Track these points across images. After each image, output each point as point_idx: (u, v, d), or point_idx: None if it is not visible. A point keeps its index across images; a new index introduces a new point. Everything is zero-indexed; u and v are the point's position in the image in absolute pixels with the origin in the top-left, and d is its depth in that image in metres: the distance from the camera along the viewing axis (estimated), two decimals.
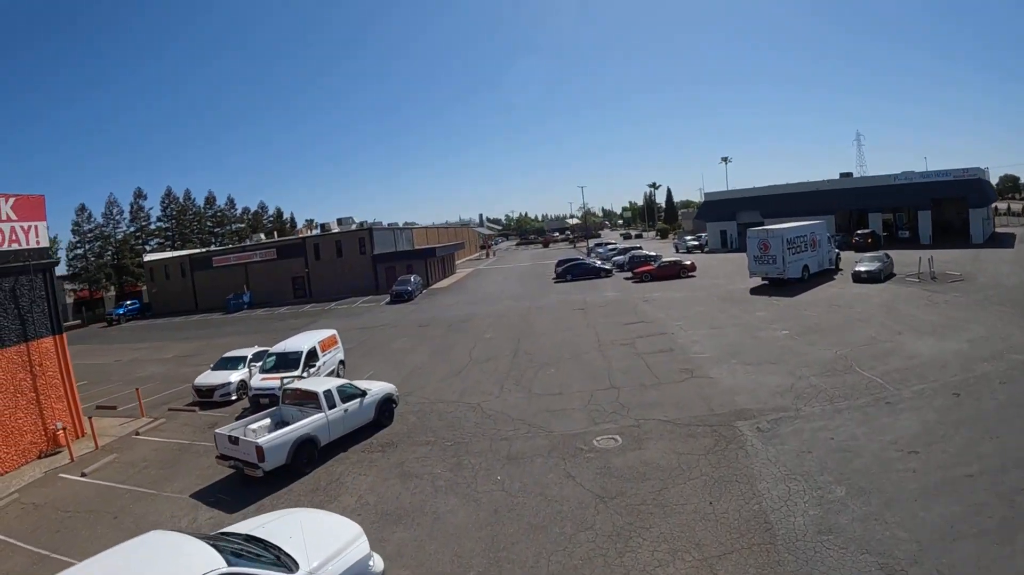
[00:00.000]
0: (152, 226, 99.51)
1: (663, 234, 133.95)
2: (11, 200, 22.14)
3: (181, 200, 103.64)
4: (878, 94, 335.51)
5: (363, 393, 20.26)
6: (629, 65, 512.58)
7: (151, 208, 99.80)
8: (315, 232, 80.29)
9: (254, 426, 19.16)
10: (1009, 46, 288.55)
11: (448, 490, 15.43)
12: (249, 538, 10.58)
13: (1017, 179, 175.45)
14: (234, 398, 26.98)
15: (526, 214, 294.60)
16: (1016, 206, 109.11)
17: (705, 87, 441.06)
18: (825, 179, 79.37)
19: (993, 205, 76.89)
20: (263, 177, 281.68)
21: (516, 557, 11.93)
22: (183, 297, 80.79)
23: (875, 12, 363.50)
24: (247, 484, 17.21)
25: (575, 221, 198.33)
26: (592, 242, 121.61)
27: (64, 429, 22.91)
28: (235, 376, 27.60)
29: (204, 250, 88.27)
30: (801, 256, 42.10)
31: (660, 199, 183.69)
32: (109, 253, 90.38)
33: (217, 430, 18.55)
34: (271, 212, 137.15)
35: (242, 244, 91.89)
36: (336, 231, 77.18)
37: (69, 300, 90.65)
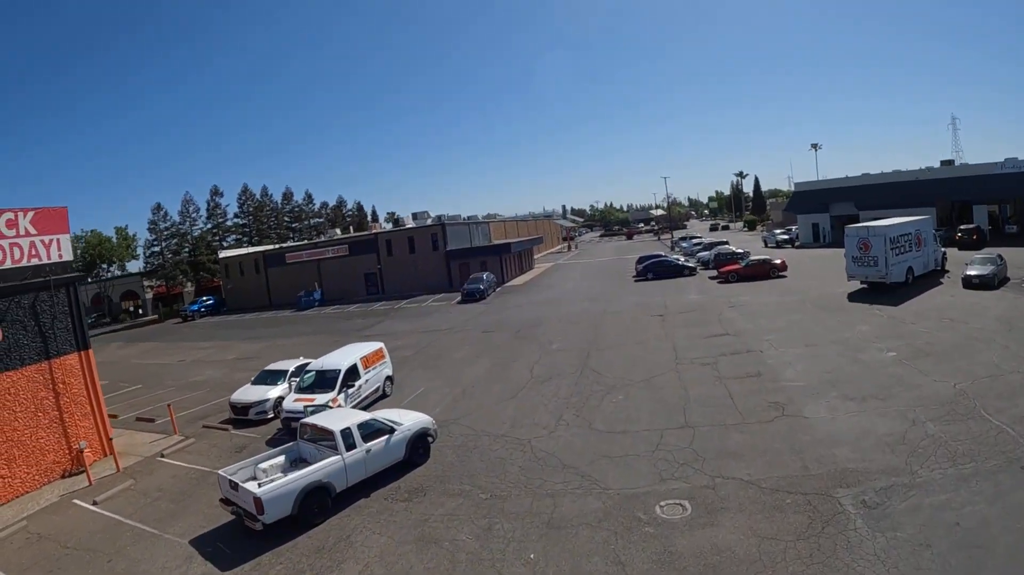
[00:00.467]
0: (229, 222, 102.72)
1: (751, 225, 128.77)
2: (30, 214, 21.97)
3: (258, 196, 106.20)
4: (974, 76, 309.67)
5: (391, 430, 17.85)
6: (714, 48, 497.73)
7: (227, 205, 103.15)
8: (388, 227, 79.37)
9: (264, 465, 17.09)
10: None
11: (468, 567, 12.68)
12: None
13: None
14: (271, 416, 25.45)
15: (611, 204, 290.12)
16: None
17: (793, 70, 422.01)
18: (923, 167, 72.20)
19: None
20: (345, 173, 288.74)
21: None
22: (257, 293, 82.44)
23: None
24: (249, 534, 15.30)
25: (660, 212, 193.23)
26: (677, 234, 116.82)
27: (87, 448, 22.34)
28: (274, 393, 26.09)
29: (277, 246, 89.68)
30: (905, 257, 37.03)
31: (747, 188, 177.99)
32: (186, 250, 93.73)
33: (221, 471, 16.64)
34: (351, 206, 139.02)
35: (314, 240, 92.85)
36: (410, 226, 75.94)
37: (148, 295, 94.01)
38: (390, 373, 27.26)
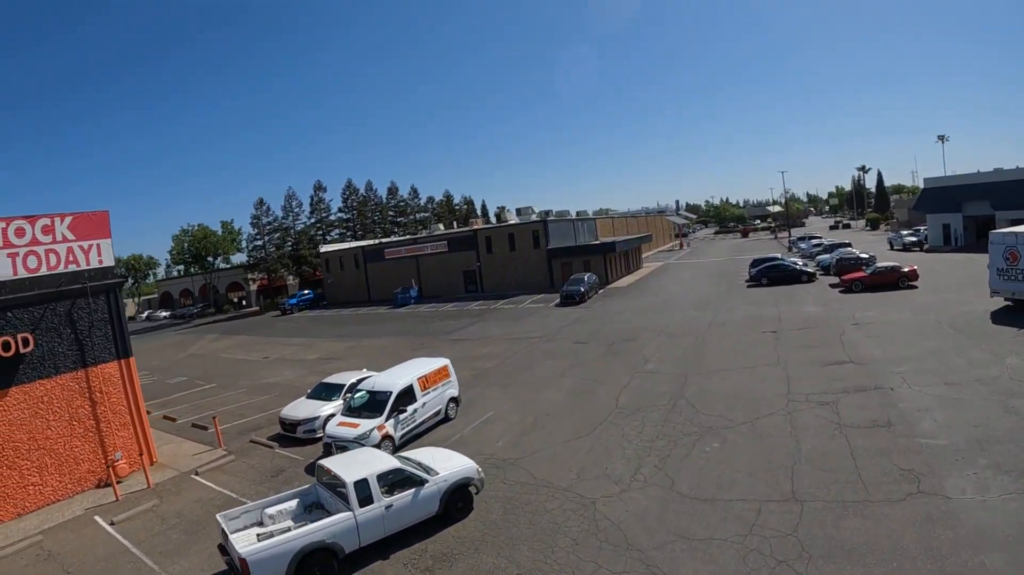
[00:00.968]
0: (332, 217, 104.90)
1: (873, 224, 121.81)
2: (67, 219, 21.88)
3: (362, 191, 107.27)
4: None
5: (421, 481, 14.95)
6: (834, 31, 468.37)
7: (331, 200, 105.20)
8: (490, 224, 77.44)
9: (272, 510, 14.75)
10: None
11: None
12: None
13: None
14: (320, 436, 23.39)
15: (726, 200, 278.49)
16: None
17: (915, 52, 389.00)
18: None
19: None
20: (457, 168, 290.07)
21: None
22: (356, 288, 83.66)
23: None
24: None
25: (777, 208, 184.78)
26: (795, 233, 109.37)
27: (123, 460, 21.98)
28: (326, 410, 24.18)
29: (376, 242, 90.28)
30: None
31: (869, 183, 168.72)
32: (288, 244, 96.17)
33: (220, 515, 14.47)
34: (458, 200, 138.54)
35: (413, 236, 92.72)
36: (511, 223, 73.52)
37: (253, 288, 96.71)
38: (455, 394, 24.53)
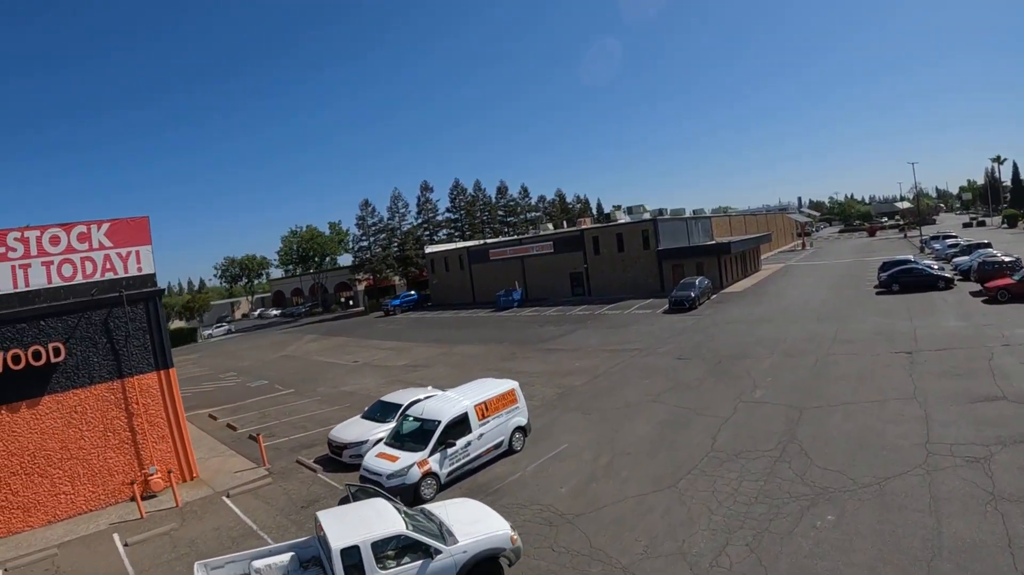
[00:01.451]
0: (439, 217, 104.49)
1: (1010, 221, 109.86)
2: (105, 226, 21.62)
3: (471, 191, 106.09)
4: None
5: (432, 551, 11.94)
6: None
7: (438, 200, 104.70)
8: (598, 224, 73.97)
9: (260, 564, 12.41)
10: None
11: None
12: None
13: None
14: None
15: (850, 196, 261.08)
16: None
17: None
18: None
19: None
20: (573, 168, 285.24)
21: None
22: (461, 290, 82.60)
23: None
24: None
25: (905, 205, 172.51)
26: (926, 232, 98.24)
27: (156, 474, 21.14)
28: (377, 433, 21.75)
29: (481, 242, 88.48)
30: None
31: (1004, 176, 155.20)
32: (394, 245, 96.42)
33: (199, 563, 12.40)
34: (571, 200, 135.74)
35: (518, 237, 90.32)
36: (620, 222, 69.58)
37: (360, 288, 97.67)
38: (523, 422, 21.36)
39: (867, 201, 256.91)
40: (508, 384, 21.67)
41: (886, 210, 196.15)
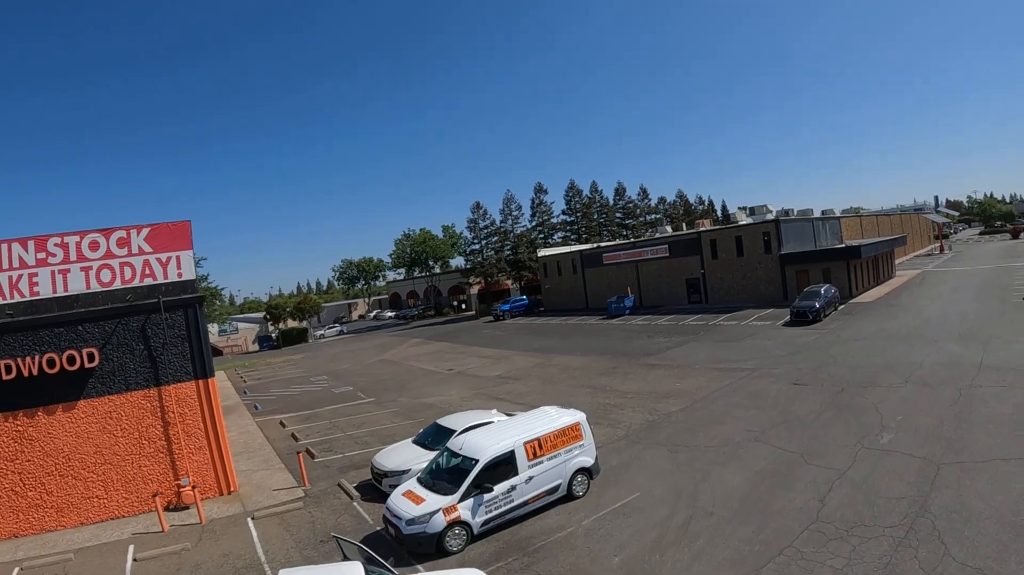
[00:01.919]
0: (554, 220, 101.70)
1: None
2: (144, 231, 21.52)
3: (587, 193, 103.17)
4: None
5: None
6: None
7: (553, 202, 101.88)
8: (715, 226, 69.39)
9: None
10: None
11: None
12: None
13: None
14: None
15: (990, 195, 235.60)
16: None
17: None
18: None
19: None
20: (698, 169, 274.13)
21: None
22: (573, 295, 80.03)
23: None
24: None
25: None
26: None
27: (188, 486, 20.46)
28: (422, 462, 19.44)
29: (594, 246, 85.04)
30: None
31: None
32: (507, 248, 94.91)
33: None
34: (693, 200, 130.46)
35: (632, 240, 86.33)
36: (740, 223, 64.68)
37: (473, 291, 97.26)
38: (589, 462, 18.16)
39: (1008, 200, 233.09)
40: (572, 417, 18.51)
41: None
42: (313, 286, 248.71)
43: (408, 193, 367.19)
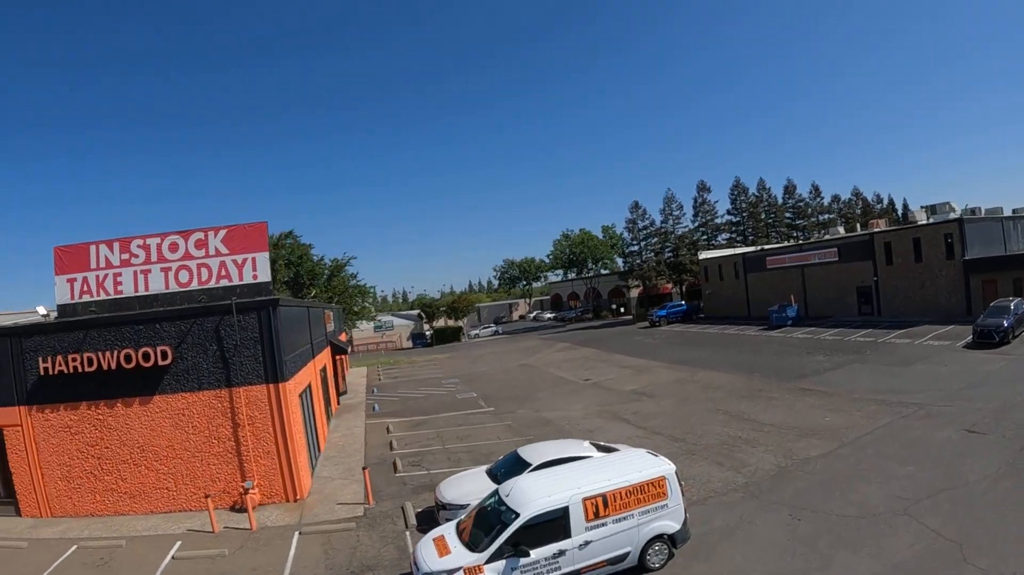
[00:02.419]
0: (718, 220, 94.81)
1: None
2: (222, 233, 22.00)
3: (754, 191, 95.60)
4: None
5: None
6: None
7: (716, 201, 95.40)
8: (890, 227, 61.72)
9: None
10: None
11: None
12: None
13: None
14: None
15: None
16: None
17: None
18: None
19: None
20: (874, 164, 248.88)
21: None
22: (735, 302, 74.09)
23: None
24: None
25: None
26: None
27: (252, 489, 20.17)
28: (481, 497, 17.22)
29: (757, 248, 78.59)
30: None
31: None
32: (668, 250, 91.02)
33: None
34: (871, 198, 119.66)
35: (798, 243, 78.32)
36: (918, 224, 56.73)
37: (633, 294, 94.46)
38: (673, 528, 14.44)
39: None
40: (656, 469, 14.71)
41: None
42: (475, 285, 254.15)
43: (566, 191, 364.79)
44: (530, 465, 17.57)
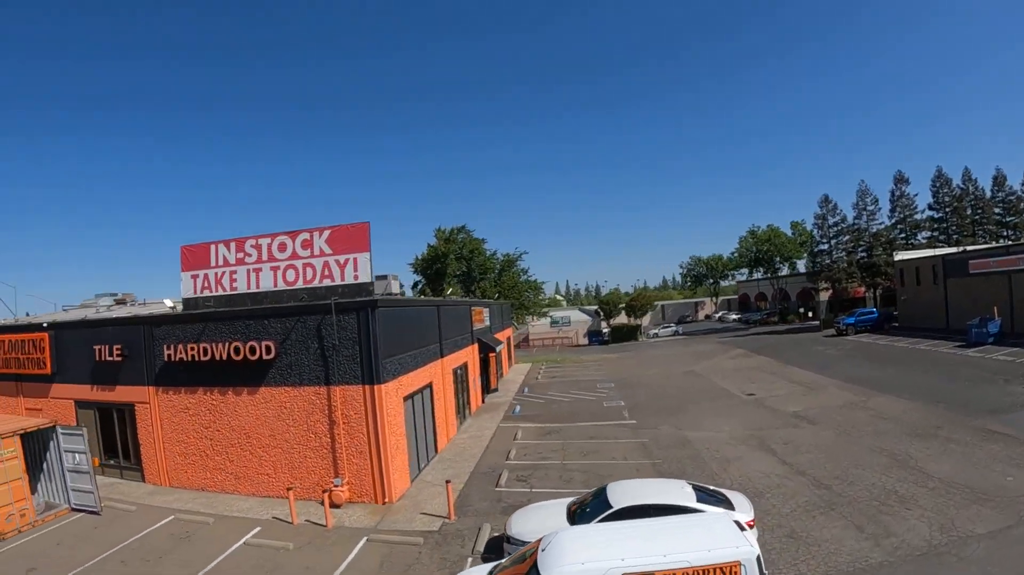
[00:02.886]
0: (918, 216, 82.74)
1: None
2: (326, 233, 22.39)
3: (958, 183, 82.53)
4: None
5: None
6: None
7: (916, 195, 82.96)
8: None
9: None
10: None
11: None
12: None
13: None
14: None
15: None
16: None
17: None
18: None
19: None
20: None
21: None
22: (931, 310, 63.70)
23: None
24: None
25: None
26: None
27: (340, 487, 20.65)
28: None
29: (960, 249, 67.50)
30: None
31: None
32: (861, 249, 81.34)
33: None
34: None
35: (1006, 244, 65.51)
36: None
37: (822, 298, 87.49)
38: None
39: None
40: (732, 550, 11.09)
41: None
42: (661, 282, 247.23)
43: (750, 185, 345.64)
44: (612, 507, 15.28)
